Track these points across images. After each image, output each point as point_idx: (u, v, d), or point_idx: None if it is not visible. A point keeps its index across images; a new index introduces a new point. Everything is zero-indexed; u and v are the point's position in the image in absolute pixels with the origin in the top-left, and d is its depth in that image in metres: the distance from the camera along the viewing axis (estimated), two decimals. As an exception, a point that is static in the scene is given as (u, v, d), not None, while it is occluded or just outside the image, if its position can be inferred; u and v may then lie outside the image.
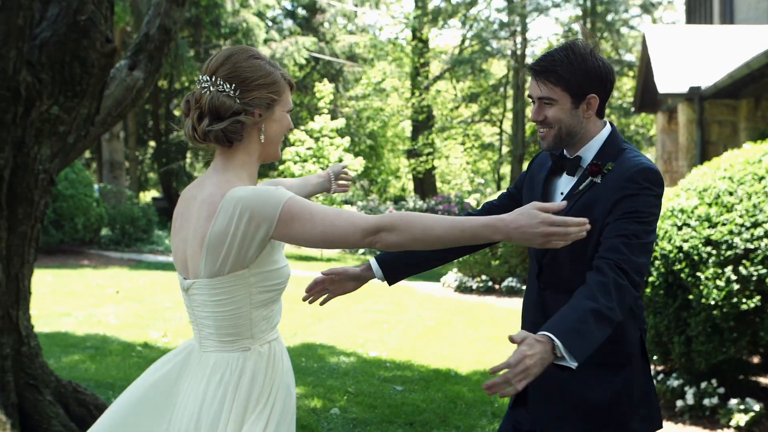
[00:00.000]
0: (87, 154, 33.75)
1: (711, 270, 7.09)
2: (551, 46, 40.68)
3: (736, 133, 17.08)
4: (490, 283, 16.87)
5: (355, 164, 26.30)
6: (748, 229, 6.99)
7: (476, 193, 44.51)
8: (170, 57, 6.86)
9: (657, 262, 7.50)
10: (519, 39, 40.56)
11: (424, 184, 42.47)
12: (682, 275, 7.25)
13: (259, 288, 2.79)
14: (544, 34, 67.14)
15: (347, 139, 26.84)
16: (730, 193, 7.35)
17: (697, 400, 7.30)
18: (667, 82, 17.96)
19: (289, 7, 39.20)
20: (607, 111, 30.27)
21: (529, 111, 35.96)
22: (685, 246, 7.27)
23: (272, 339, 2.91)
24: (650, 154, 39.52)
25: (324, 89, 27.43)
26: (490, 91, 42.60)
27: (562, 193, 3.28)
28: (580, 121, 3.23)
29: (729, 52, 17.64)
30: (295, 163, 25.15)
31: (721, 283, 7.00)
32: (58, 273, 17.80)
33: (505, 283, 16.54)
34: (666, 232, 7.52)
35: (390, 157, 43.93)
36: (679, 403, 7.41)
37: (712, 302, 7.01)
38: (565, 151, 3.34)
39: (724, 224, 7.18)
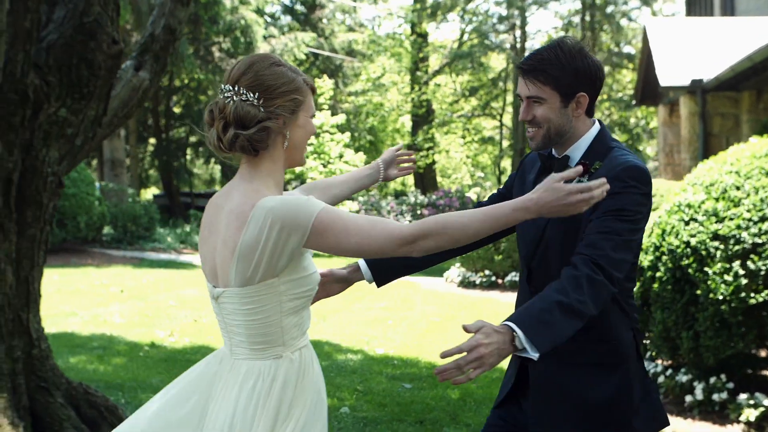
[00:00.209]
0: (87, 152, 33.67)
1: (719, 265, 7.08)
2: (551, 39, 40.73)
3: (738, 126, 17.09)
4: (493, 278, 16.88)
5: (356, 160, 26.32)
6: (755, 223, 6.99)
7: (476, 186, 44.57)
8: (171, 55, 6.87)
9: (664, 258, 7.50)
10: (518, 32, 40.56)
11: (425, 179, 42.46)
12: (690, 270, 7.25)
13: (290, 296, 2.79)
14: (544, 27, 67.20)
15: (347, 134, 26.83)
16: (737, 188, 7.35)
17: (706, 396, 7.30)
18: (668, 75, 17.97)
19: (287, 2, 39.18)
20: (607, 104, 30.16)
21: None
22: (693, 241, 7.26)
23: (303, 345, 2.90)
24: (651, 147, 39.54)
25: (324, 85, 27.42)
26: (489, 85, 42.57)
27: None
28: (570, 120, 3.19)
29: (730, 44, 17.64)
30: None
31: (729, 277, 7.00)
32: (61, 272, 17.81)
33: (508, 278, 16.53)
34: (673, 227, 7.52)
35: (390, 152, 43.88)
36: (688, 398, 7.41)
37: (720, 297, 7.00)
38: (553, 150, 3.31)
39: (731, 219, 7.18)
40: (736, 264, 7.02)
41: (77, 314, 12.62)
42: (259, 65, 2.82)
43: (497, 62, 44.28)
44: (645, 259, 7.79)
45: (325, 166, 26.59)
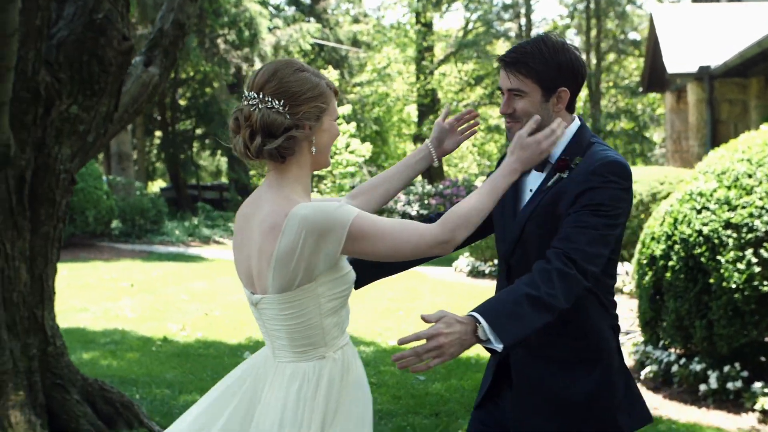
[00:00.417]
0: (94, 146, 33.69)
1: (731, 253, 7.08)
2: (556, 26, 40.65)
3: (746, 112, 17.04)
4: (502, 267, 16.84)
5: (362, 150, 26.30)
6: (768, 211, 6.98)
7: (483, 175, 44.47)
8: (180, 50, 6.84)
9: (677, 247, 7.49)
10: (523, 20, 40.46)
11: (431, 169, 42.38)
12: (702, 259, 7.24)
13: (328, 297, 2.82)
14: (549, 15, 66.98)
15: (353, 124, 26.80)
16: (749, 176, 7.34)
17: (721, 384, 7.29)
18: (676, 62, 17.91)
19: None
20: (613, 91, 29.97)
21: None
22: (705, 230, 7.25)
23: (344, 344, 2.93)
24: (658, 134, 39.45)
25: (329, 76, 27.39)
26: (495, 74, 42.44)
27: (531, 190, 3.21)
28: (550, 114, 3.16)
29: (738, 30, 17.56)
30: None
31: (741, 266, 7.00)
32: (71, 267, 17.83)
33: (517, 267, 16.48)
34: (685, 216, 7.51)
35: (396, 142, 43.88)
36: (702, 387, 7.41)
37: (733, 285, 7.00)
38: None
39: (743, 207, 7.17)
40: (749, 252, 7.01)
41: (88, 309, 12.64)
42: (283, 72, 2.82)
43: (503, 50, 43.95)
44: (657, 249, 7.79)
45: (331, 156, 26.54)
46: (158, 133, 37.80)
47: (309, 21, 35.42)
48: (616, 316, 3.26)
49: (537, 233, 3.13)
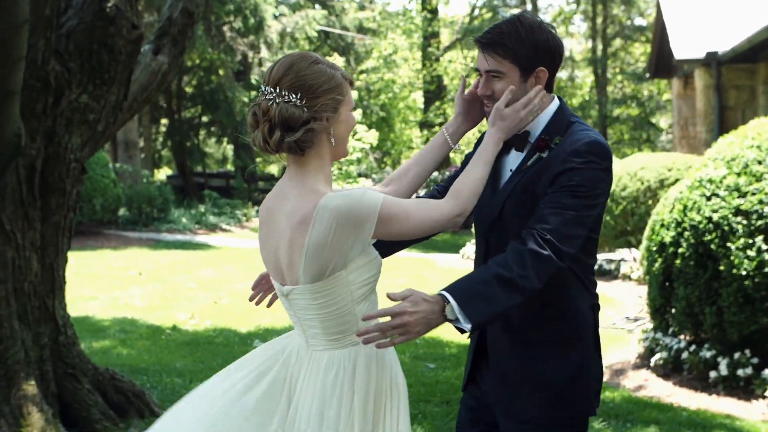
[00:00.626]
0: (100, 134, 33.68)
1: (741, 240, 7.07)
2: (562, 11, 40.52)
3: (754, 98, 16.96)
4: (510, 254, 16.84)
5: (368, 137, 26.26)
6: (779, 198, 6.96)
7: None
8: (189, 38, 6.84)
9: (686, 233, 7.48)
10: (529, 6, 40.31)
11: (438, 155, 42.26)
12: (712, 246, 7.23)
13: (358, 284, 2.87)
14: (555, 1, 66.79)
15: (359, 111, 26.76)
16: (759, 162, 7.32)
17: (731, 371, 7.29)
18: (683, 48, 17.82)
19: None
20: (619, 77, 29.80)
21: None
22: (715, 216, 7.24)
23: None
24: (665, 120, 39.34)
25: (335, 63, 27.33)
26: (501, 60, 42.28)
27: (511, 170, 3.20)
28: None
29: (745, 15, 17.47)
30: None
31: (752, 253, 6.99)
32: (78, 255, 17.83)
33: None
34: (695, 203, 7.49)
35: (402, 129, 43.81)
36: (713, 374, 7.41)
37: (744, 272, 6.99)
38: None
39: (753, 194, 7.15)
40: (759, 239, 7.00)
41: (97, 298, 12.67)
42: (299, 65, 2.85)
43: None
44: (667, 235, 7.77)
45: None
46: (164, 121, 37.77)
47: (315, 8, 35.30)
48: (596, 296, 3.26)
49: (516, 212, 3.12)
